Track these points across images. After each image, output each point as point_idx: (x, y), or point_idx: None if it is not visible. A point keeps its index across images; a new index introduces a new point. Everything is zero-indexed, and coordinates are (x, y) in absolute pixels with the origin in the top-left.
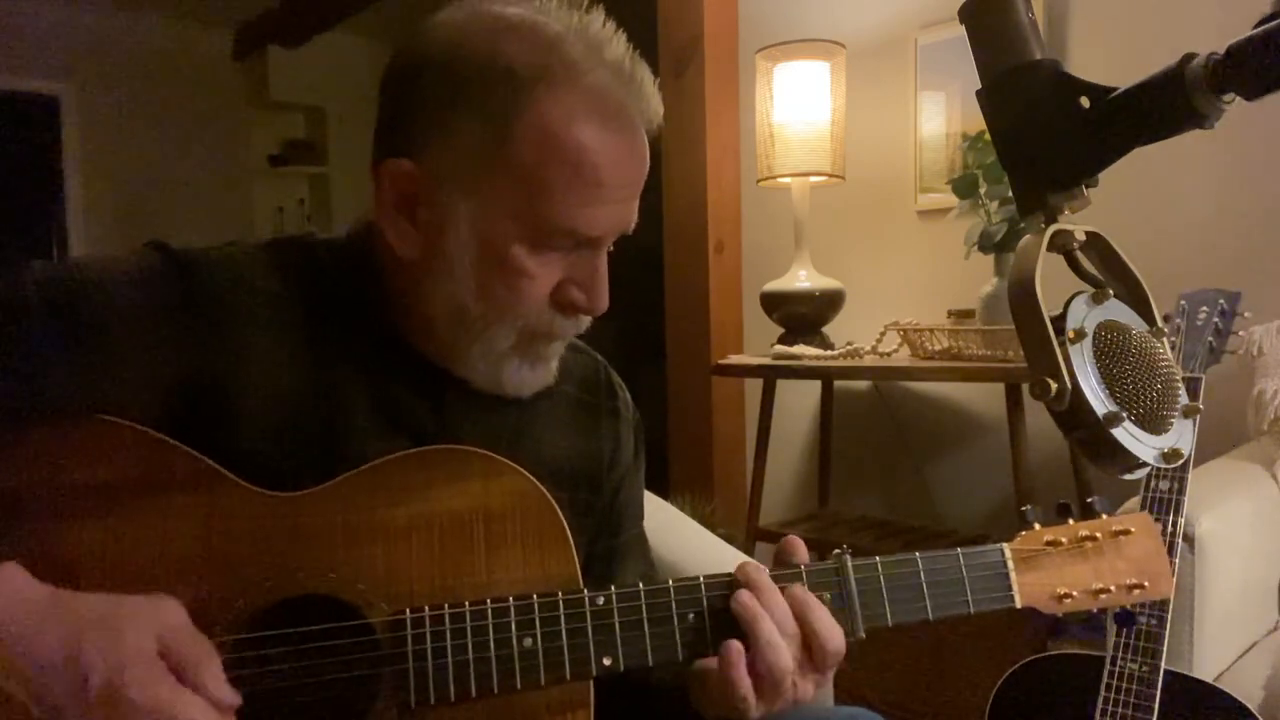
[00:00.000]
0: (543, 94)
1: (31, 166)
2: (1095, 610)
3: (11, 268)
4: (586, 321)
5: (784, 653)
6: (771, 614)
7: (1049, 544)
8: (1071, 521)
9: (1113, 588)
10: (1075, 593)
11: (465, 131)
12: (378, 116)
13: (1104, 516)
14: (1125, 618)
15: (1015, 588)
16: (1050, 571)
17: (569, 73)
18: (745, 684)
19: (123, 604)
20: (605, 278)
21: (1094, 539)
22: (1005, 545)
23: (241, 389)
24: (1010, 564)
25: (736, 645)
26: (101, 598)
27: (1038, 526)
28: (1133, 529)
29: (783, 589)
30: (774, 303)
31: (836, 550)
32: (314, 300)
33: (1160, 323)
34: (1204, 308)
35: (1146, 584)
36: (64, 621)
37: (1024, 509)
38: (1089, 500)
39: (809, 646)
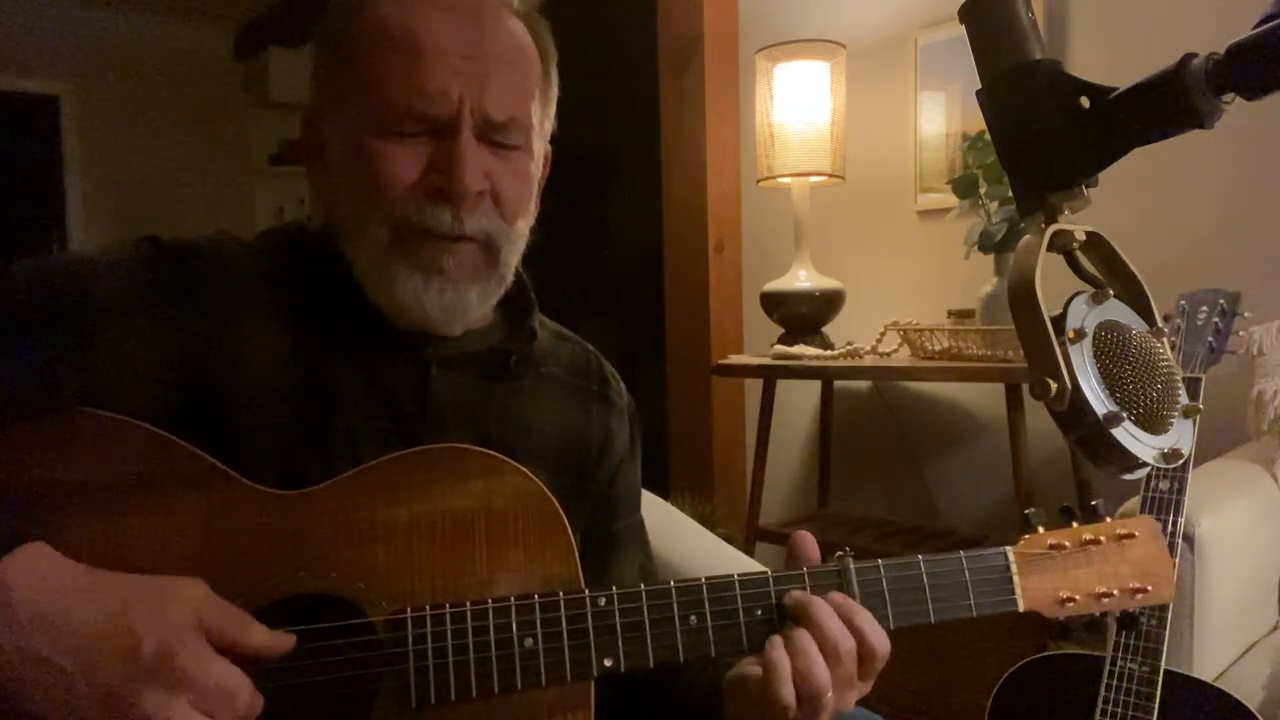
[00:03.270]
0: (371, 4)
1: (31, 166)
2: (1098, 614)
3: (2, 264)
4: (478, 223)
5: (847, 662)
6: (828, 621)
7: (1052, 547)
8: (1075, 524)
9: (1115, 591)
10: (1078, 596)
11: (322, 62)
12: None
13: (1108, 520)
14: (1128, 620)
15: (1018, 591)
16: (1053, 575)
17: None
18: (789, 695)
19: (158, 581)
20: (468, 161)
21: (1097, 542)
22: (1009, 548)
23: (234, 371)
24: (1014, 567)
25: (782, 656)
26: (135, 576)
27: (1041, 529)
28: (1136, 532)
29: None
30: (774, 303)
31: (839, 553)
32: (301, 285)
33: (1160, 323)
34: (1204, 308)
35: (1150, 588)
36: (107, 595)
37: (1027, 512)
38: (1093, 503)
39: (859, 654)
